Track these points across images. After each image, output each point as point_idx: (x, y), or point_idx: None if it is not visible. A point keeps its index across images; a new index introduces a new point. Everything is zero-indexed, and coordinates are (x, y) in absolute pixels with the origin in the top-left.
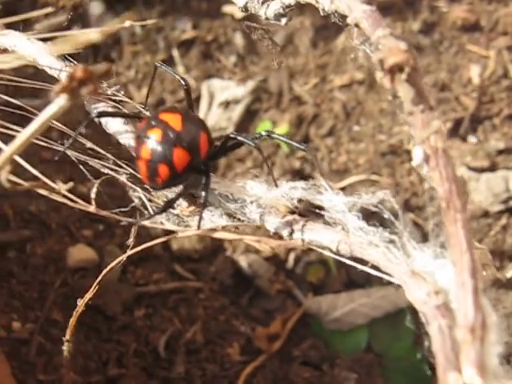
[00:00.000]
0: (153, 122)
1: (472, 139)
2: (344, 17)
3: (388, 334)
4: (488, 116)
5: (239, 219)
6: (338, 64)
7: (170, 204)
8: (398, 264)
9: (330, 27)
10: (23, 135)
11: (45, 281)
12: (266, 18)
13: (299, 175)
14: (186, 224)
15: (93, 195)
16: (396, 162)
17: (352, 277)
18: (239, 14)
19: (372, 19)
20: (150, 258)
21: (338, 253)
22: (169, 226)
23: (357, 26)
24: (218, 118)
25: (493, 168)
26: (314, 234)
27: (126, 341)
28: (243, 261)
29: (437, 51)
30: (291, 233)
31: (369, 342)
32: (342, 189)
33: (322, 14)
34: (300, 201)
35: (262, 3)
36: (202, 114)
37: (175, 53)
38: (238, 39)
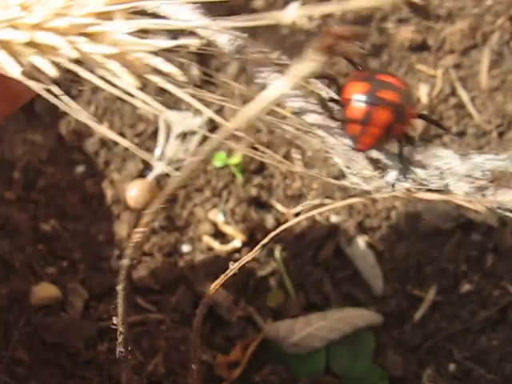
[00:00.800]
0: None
1: None
2: None
3: (347, 355)
4: (437, 135)
5: (423, 184)
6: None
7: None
8: None
9: (282, 54)
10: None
11: (9, 321)
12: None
13: (255, 202)
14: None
15: None
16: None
17: (311, 300)
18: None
19: None
20: (113, 292)
21: None
22: (364, 186)
23: None
24: (175, 149)
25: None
26: (506, 196)
27: (89, 376)
28: (203, 290)
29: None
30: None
31: (328, 364)
32: (297, 214)
33: None
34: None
35: None
36: (159, 147)
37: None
38: (194, 70)
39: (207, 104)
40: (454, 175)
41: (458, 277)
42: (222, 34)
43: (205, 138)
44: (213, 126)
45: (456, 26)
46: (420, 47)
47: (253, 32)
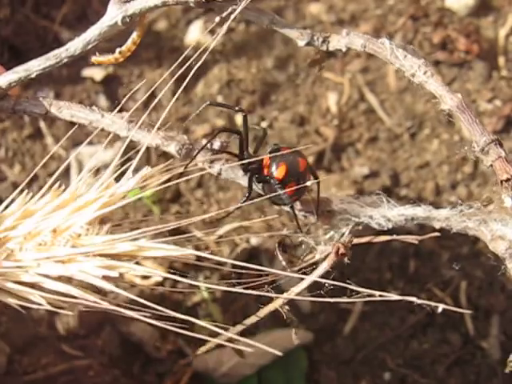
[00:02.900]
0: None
1: (336, 169)
2: None
3: (280, 377)
4: (350, 142)
5: None
6: (198, 113)
7: None
8: None
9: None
10: None
11: None
12: None
13: (174, 232)
14: None
15: None
16: (265, 205)
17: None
18: (98, 77)
19: None
20: (37, 342)
21: None
22: None
23: None
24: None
25: (359, 195)
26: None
27: None
28: (128, 330)
29: (294, 85)
30: None
31: None
32: (220, 237)
33: None
34: None
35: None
36: (72, 184)
37: (42, 124)
38: (102, 101)
39: (119, 135)
40: None
41: (384, 285)
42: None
43: (119, 171)
44: (126, 158)
45: (360, 29)
46: (326, 54)
47: (158, 56)
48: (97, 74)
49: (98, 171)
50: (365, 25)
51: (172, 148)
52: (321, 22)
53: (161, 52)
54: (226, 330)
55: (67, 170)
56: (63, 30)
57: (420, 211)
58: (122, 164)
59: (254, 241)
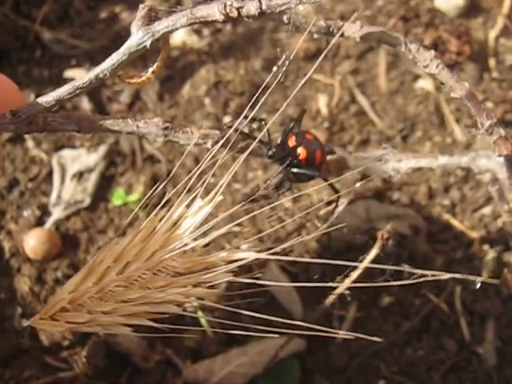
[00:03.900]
0: None
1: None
2: None
3: None
4: (341, 145)
5: None
6: (185, 115)
7: None
8: None
9: (174, 78)
10: None
11: None
12: None
13: None
14: None
15: None
16: (255, 209)
17: (229, 335)
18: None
19: None
20: (20, 354)
21: None
22: None
23: None
24: (72, 190)
25: (352, 199)
26: None
27: None
28: (115, 340)
29: (283, 86)
30: None
31: None
32: (206, 245)
33: None
34: None
35: None
36: (55, 189)
37: None
38: (85, 103)
39: (102, 138)
40: None
41: (377, 291)
42: None
43: (103, 175)
44: (110, 161)
45: None
46: (315, 56)
47: (142, 56)
48: (79, 75)
49: (81, 175)
50: None
51: (209, 144)
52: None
53: (145, 53)
54: (214, 338)
55: (49, 175)
56: (44, 30)
57: (423, 162)
58: (106, 168)
59: (245, 246)
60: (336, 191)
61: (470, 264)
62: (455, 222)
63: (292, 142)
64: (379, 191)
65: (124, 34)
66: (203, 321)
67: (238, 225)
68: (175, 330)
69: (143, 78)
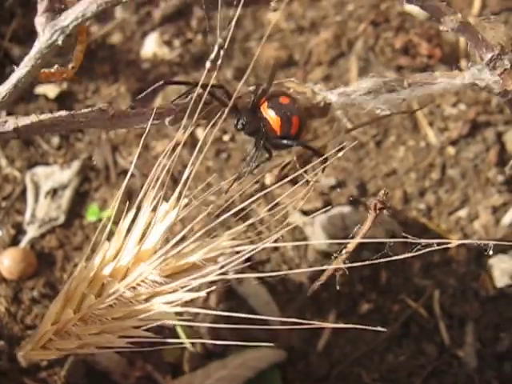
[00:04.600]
0: None
1: (303, 181)
2: None
3: None
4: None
5: None
6: (157, 129)
7: None
8: None
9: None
10: None
11: None
12: None
13: None
14: None
15: None
16: (231, 221)
17: (209, 348)
18: (52, 94)
19: None
20: None
21: None
22: None
23: None
24: (46, 208)
25: (327, 206)
26: None
27: None
28: (93, 358)
29: None
30: None
31: None
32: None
33: None
34: None
35: None
36: (29, 208)
37: None
38: None
39: (76, 153)
40: None
41: (355, 298)
42: None
43: (77, 191)
44: (83, 177)
45: (321, 37)
46: (287, 63)
47: (114, 70)
48: (50, 91)
49: (55, 192)
50: (325, 32)
51: (166, 121)
52: (280, 29)
53: (116, 66)
54: (194, 353)
55: (23, 193)
56: (13, 46)
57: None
58: (80, 184)
59: (222, 258)
60: (317, 153)
61: (447, 268)
62: (432, 226)
63: (264, 108)
64: (354, 198)
65: (95, 48)
66: (182, 334)
67: (215, 237)
68: (155, 343)
69: (64, 76)
